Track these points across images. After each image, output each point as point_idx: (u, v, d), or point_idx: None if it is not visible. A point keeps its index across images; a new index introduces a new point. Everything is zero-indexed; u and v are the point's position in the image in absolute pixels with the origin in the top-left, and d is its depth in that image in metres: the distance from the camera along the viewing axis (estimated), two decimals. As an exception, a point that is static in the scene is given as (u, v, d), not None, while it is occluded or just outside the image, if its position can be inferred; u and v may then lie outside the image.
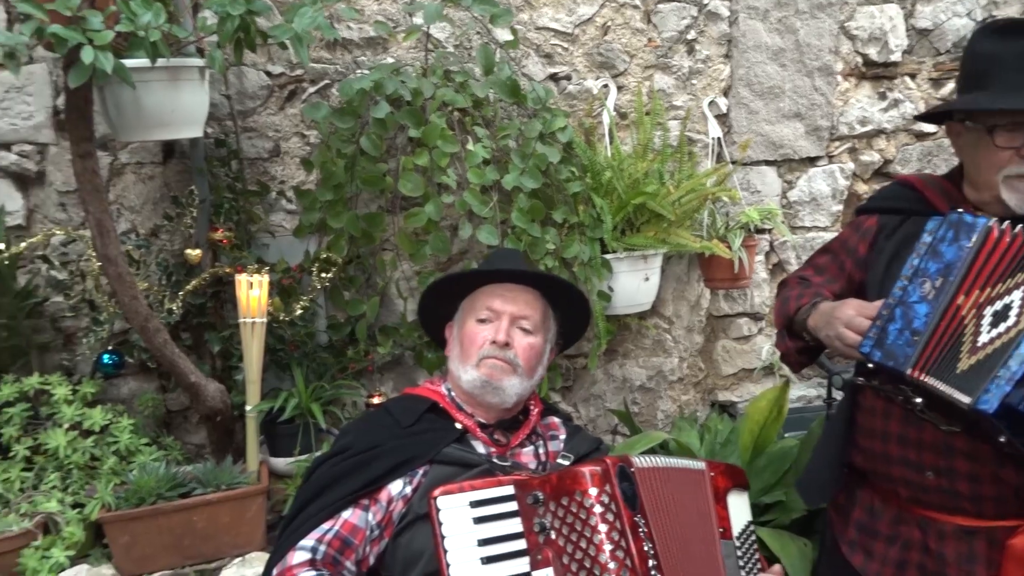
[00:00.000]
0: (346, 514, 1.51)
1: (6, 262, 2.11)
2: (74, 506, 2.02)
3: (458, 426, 1.65)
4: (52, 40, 1.79)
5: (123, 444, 2.17)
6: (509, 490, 1.43)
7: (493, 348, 1.66)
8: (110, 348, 2.28)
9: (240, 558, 2.03)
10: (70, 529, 1.93)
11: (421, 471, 1.56)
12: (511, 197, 2.34)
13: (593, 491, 1.42)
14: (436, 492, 1.39)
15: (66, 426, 2.13)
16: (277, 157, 2.48)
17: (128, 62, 1.87)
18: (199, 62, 2.07)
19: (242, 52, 2.02)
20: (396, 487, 1.54)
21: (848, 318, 1.48)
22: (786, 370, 2.93)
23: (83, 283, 2.29)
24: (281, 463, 2.27)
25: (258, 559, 2.03)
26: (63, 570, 1.89)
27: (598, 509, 1.41)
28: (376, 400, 2.41)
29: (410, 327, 2.45)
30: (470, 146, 2.30)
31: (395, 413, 1.66)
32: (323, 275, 2.36)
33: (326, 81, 2.46)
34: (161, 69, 1.98)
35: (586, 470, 1.44)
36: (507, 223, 2.34)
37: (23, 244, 2.12)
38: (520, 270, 1.75)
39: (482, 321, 1.70)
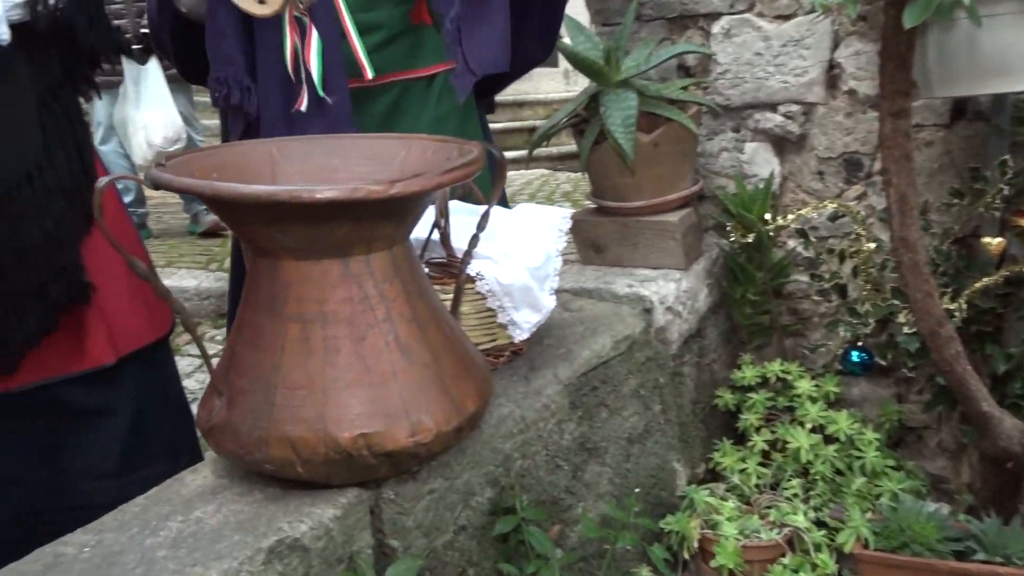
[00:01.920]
0: None
1: (770, 234, 1.92)
2: (816, 523, 1.75)
3: None
4: (895, -31, 1.46)
5: (869, 462, 1.83)
6: None
7: None
8: (859, 344, 1.95)
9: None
10: (822, 557, 1.66)
11: None
12: None
13: None
14: None
15: (809, 426, 1.87)
16: (1113, 119, 1.79)
17: (973, -7, 1.44)
18: (1066, -14, 1.51)
19: None
20: None
21: None
22: None
23: (837, 265, 1.98)
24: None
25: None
26: (810, 600, 1.63)
27: None
28: None
29: None
30: None
31: None
32: None
33: None
34: (1013, 1, 1.50)
35: None
36: None
37: (791, 216, 1.90)
38: None
39: None
